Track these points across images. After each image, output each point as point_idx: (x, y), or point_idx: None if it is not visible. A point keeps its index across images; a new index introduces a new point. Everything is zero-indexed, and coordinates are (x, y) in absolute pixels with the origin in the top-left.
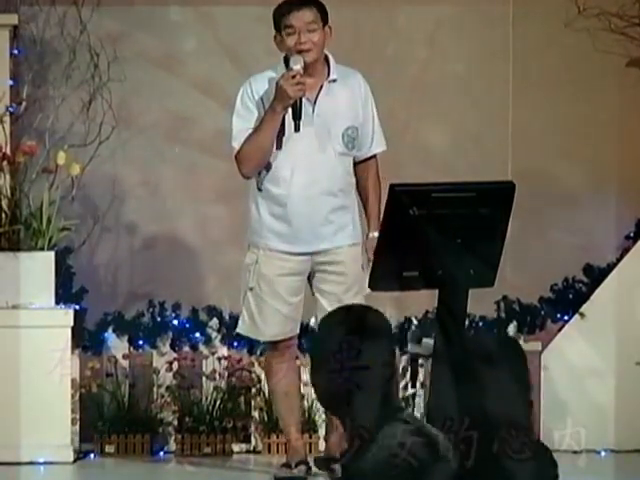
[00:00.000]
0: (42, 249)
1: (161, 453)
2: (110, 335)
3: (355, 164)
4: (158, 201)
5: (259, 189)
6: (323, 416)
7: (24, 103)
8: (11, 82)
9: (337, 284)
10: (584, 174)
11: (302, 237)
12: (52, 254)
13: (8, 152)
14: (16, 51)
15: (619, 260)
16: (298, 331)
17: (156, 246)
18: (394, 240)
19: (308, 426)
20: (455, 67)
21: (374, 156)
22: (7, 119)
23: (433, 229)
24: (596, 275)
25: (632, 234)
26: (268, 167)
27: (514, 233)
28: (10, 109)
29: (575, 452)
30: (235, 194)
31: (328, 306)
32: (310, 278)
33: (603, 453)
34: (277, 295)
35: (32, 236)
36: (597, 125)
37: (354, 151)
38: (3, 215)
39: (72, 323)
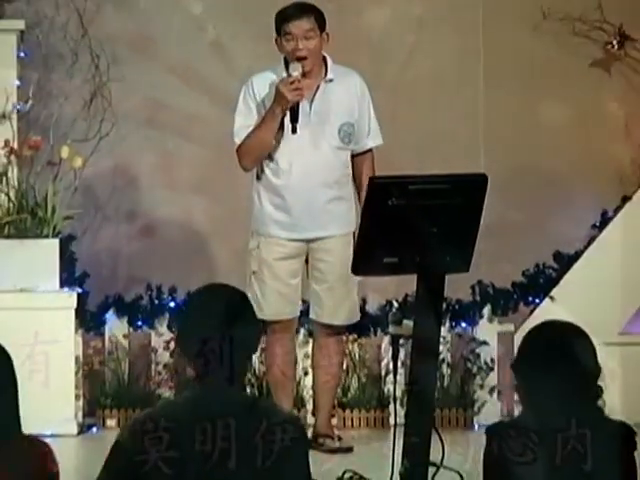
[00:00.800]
0: (47, 236)
1: None
2: (111, 316)
3: (352, 157)
4: (155, 191)
5: (259, 179)
6: (310, 392)
7: (30, 101)
8: (18, 82)
9: (329, 272)
10: (552, 167)
11: (300, 225)
12: (56, 241)
13: (15, 146)
14: (23, 54)
15: (586, 248)
16: (298, 313)
17: (153, 234)
18: (375, 229)
19: (296, 401)
20: (429, 68)
21: (370, 150)
22: (14, 116)
23: (411, 219)
24: (565, 261)
25: (598, 224)
26: (268, 160)
27: (487, 222)
28: (17, 107)
29: None
30: (228, 185)
31: (320, 292)
32: (306, 261)
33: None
34: (277, 277)
35: (38, 224)
36: (563, 121)
37: (351, 145)
38: (11, 205)
39: (75, 305)
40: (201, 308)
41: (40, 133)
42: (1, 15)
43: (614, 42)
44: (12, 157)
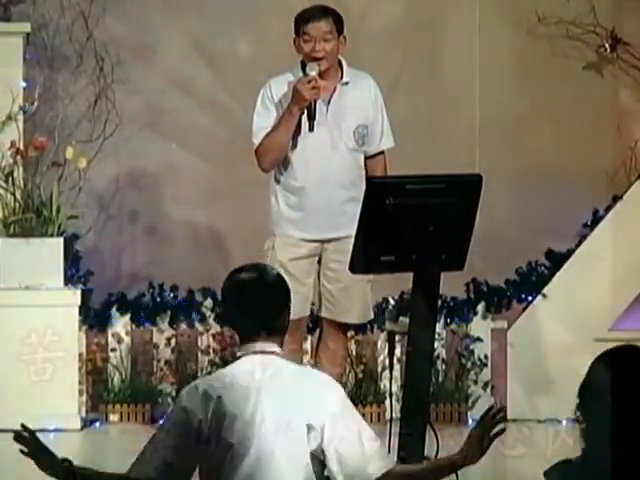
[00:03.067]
0: (52, 235)
1: (161, 421)
2: (114, 314)
3: (365, 159)
4: (158, 192)
5: (277, 181)
6: None
7: (36, 103)
8: (24, 84)
9: (344, 272)
10: (545, 167)
11: (315, 225)
12: (61, 240)
13: (21, 147)
14: (29, 56)
15: (577, 246)
16: (309, 312)
17: (155, 233)
18: (372, 228)
19: None
20: (427, 68)
21: (382, 152)
22: (21, 117)
23: (407, 218)
24: (557, 259)
25: (589, 222)
26: (286, 161)
27: (482, 221)
28: (23, 108)
29: (539, 421)
30: (229, 186)
31: (335, 291)
32: (319, 262)
33: (564, 422)
34: (293, 277)
35: (43, 223)
36: (555, 122)
37: (364, 147)
38: (17, 204)
39: (79, 302)
40: (243, 284)
41: (45, 134)
42: (7, 18)
43: (606, 45)
44: (18, 157)
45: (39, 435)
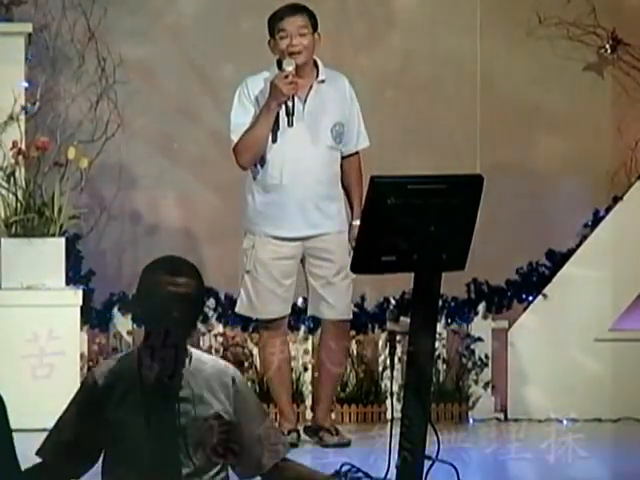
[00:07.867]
0: (53, 235)
1: None
2: (115, 313)
3: (340, 159)
4: (159, 191)
5: (254, 179)
6: (310, 387)
7: (38, 103)
8: (26, 84)
9: (326, 269)
10: (546, 168)
11: (293, 223)
12: (62, 240)
13: (23, 147)
14: (30, 56)
15: (578, 246)
16: (290, 311)
17: (157, 232)
18: (373, 227)
19: (295, 397)
20: (428, 71)
21: (357, 152)
22: (22, 118)
23: (409, 218)
24: (558, 259)
25: (590, 222)
26: (262, 159)
27: (483, 221)
28: (25, 108)
29: (540, 421)
30: (231, 185)
31: (318, 288)
32: (303, 261)
33: (565, 422)
34: (272, 277)
35: (44, 223)
36: (556, 123)
37: (341, 145)
38: (18, 204)
39: (81, 302)
40: (151, 279)
41: (47, 134)
42: (9, 18)
43: (607, 46)
44: (20, 158)
45: (40, 435)
